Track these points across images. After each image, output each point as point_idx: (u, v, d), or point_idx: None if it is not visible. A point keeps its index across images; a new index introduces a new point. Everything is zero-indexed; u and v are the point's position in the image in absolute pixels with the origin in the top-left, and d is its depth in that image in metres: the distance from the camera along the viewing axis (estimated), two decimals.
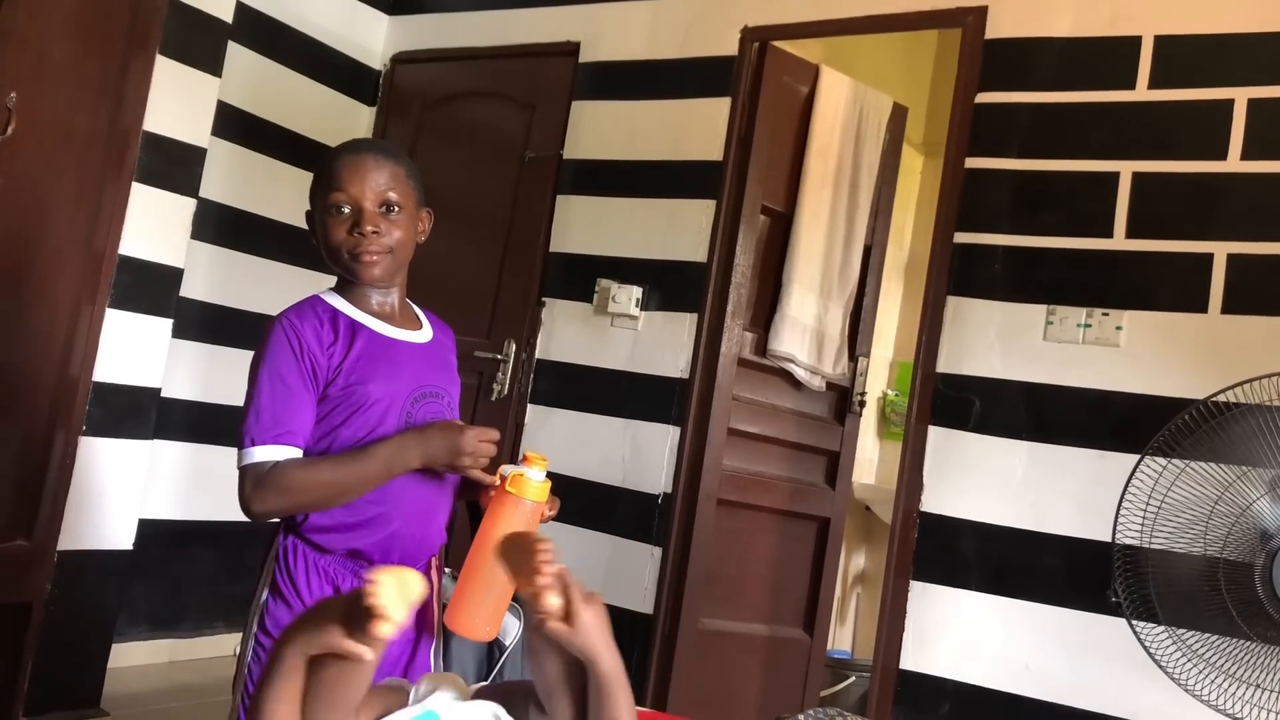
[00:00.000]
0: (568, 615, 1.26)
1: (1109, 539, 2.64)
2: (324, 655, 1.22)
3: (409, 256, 1.80)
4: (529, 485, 1.61)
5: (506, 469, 1.63)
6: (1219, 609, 2.14)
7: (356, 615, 1.15)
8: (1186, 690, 2.22)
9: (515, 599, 1.79)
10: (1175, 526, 2.22)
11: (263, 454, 1.62)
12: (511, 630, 1.81)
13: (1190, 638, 2.22)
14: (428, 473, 1.71)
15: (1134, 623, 2.28)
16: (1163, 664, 2.23)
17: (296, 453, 1.65)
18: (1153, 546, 2.26)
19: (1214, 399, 2.23)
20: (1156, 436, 2.28)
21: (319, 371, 1.67)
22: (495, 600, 1.62)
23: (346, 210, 1.71)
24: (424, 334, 1.84)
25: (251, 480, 1.63)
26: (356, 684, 1.28)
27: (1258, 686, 2.13)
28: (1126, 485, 2.30)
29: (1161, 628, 2.26)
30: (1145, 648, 2.26)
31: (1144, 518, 2.26)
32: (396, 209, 1.73)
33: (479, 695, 1.45)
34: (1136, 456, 2.53)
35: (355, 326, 1.73)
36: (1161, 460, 2.28)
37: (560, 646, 1.27)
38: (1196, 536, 2.20)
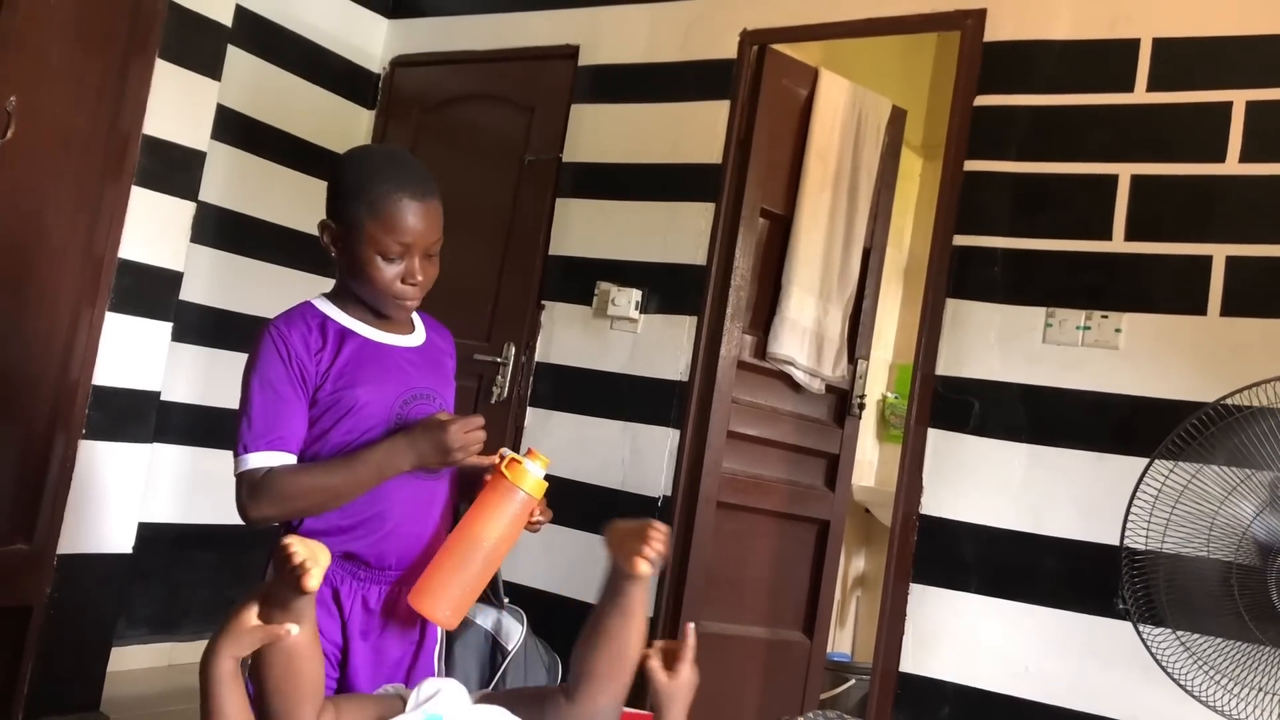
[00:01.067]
0: (671, 665, 1.39)
1: (1109, 541, 2.65)
2: (261, 655, 1.28)
3: None
4: (526, 476, 1.62)
5: (507, 451, 1.64)
6: (1231, 614, 2.13)
7: (279, 588, 1.28)
8: (1192, 695, 2.21)
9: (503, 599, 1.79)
10: (1187, 531, 2.21)
11: (256, 460, 1.64)
12: (514, 635, 1.81)
13: (1197, 642, 2.21)
14: (422, 472, 1.72)
15: (1140, 627, 2.27)
16: (1170, 669, 2.22)
17: (290, 458, 1.66)
18: (1164, 550, 2.24)
19: (1223, 402, 2.21)
20: (1167, 439, 2.25)
21: (308, 377, 1.68)
22: (465, 585, 1.60)
23: (398, 256, 1.70)
24: (415, 338, 1.84)
25: (247, 487, 1.65)
26: (307, 671, 1.33)
27: (1261, 690, 2.13)
28: (1136, 489, 2.27)
29: (1166, 631, 2.24)
30: (1152, 653, 2.24)
31: (1152, 522, 2.25)
32: (435, 253, 1.75)
33: (484, 701, 1.47)
34: (1135, 459, 2.53)
35: (344, 333, 1.74)
36: (1170, 464, 2.26)
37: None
38: (1204, 542, 2.19)
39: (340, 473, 1.66)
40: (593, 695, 1.46)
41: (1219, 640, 2.18)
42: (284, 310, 1.76)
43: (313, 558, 1.27)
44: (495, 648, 1.78)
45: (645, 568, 1.45)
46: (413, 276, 1.70)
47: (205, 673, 1.29)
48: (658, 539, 1.46)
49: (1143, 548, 2.27)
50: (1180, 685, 2.22)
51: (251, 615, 1.30)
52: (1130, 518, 2.28)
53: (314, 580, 1.25)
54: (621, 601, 1.49)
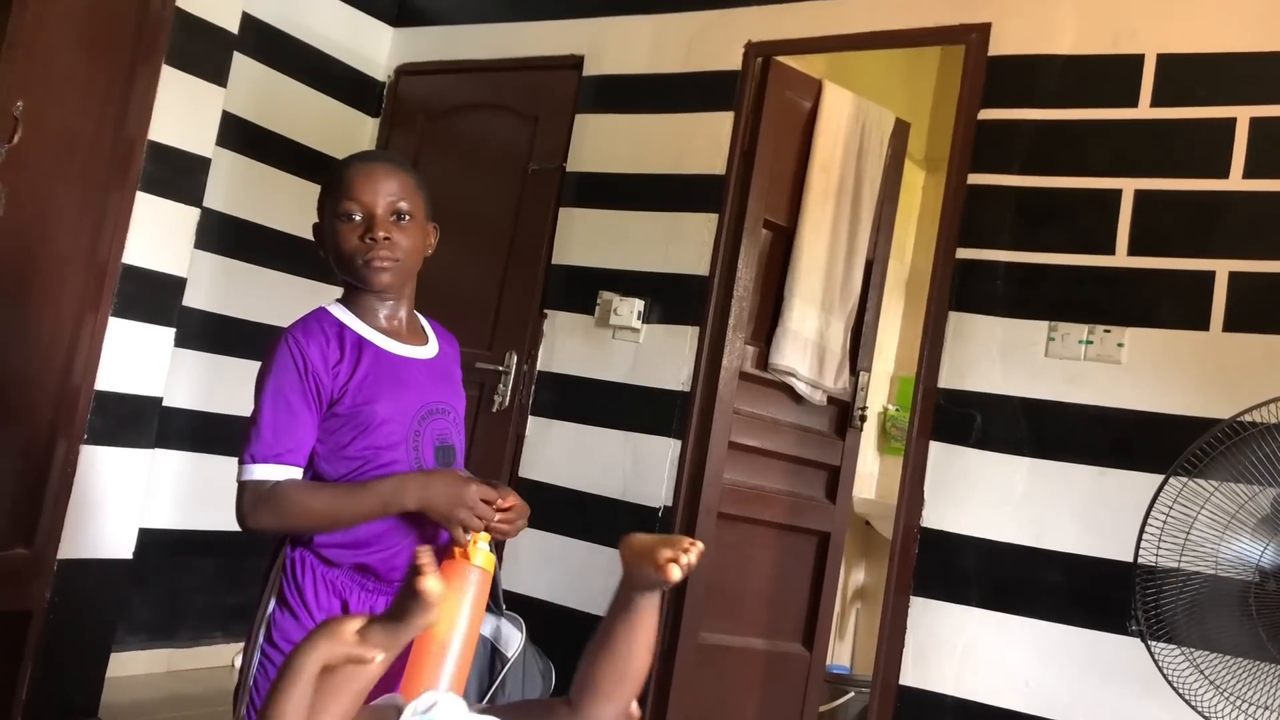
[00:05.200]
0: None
1: (1110, 556, 2.65)
2: (332, 665, 1.27)
3: (417, 267, 1.80)
4: (476, 553, 1.62)
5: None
6: (1248, 632, 2.11)
7: (399, 605, 1.28)
8: (1200, 713, 2.19)
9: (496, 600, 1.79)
10: (1204, 550, 2.19)
11: (262, 472, 1.64)
12: (513, 642, 1.80)
13: (1206, 660, 2.19)
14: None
15: (1152, 645, 2.24)
16: (1179, 687, 2.20)
17: (296, 472, 1.67)
18: (1180, 567, 2.21)
19: (1240, 418, 2.19)
20: (1183, 456, 2.23)
21: (323, 391, 1.68)
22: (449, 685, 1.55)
23: (358, 217, 1.72)
24: (430, 349, 1.84)
25: (251, 496, 1.65)
26: (346, 704, 1.32)
27: (1266, 708, 2.11)
28: (1151, 506, 2.25)
29: (1173, 648, 2.22)
30: (1163, 671, 2.22)
31: (1168, 540, 2.22)
32: (407, 218, 1.75)
33: (484, 713, 1.47)
34: (1137, 474, 2.52)
35: (362, 343, 1.73)
36: (1183, 480, 2.23)
37: None
38: (1213, 561, 2.17)
39: (345, 501, 1.66)
40: (596, 708, 1.45)
41: (1227, 658, 2.16)
42: (299, 318, 1.75)
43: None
44: (494, 655, 1.77)
45: (677, 573, 1.44)
46: (372, 233, 1.70)
47: (293, 661, 1.28)
48: (694, 551, 1.45)
49: (1155, 564, 2.25)
50: (1191, 705, 2.19)
51: (352, 627, 1.29)
52: (1145, 535, 2.25)
53: (430, 584, 1.26)
54: (631, 614, 1.47)
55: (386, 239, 1.71)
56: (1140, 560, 2.25)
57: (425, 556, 1.28)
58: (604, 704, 1.45)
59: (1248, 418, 2.17)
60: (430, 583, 1.26)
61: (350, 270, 1.74)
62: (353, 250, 1.72)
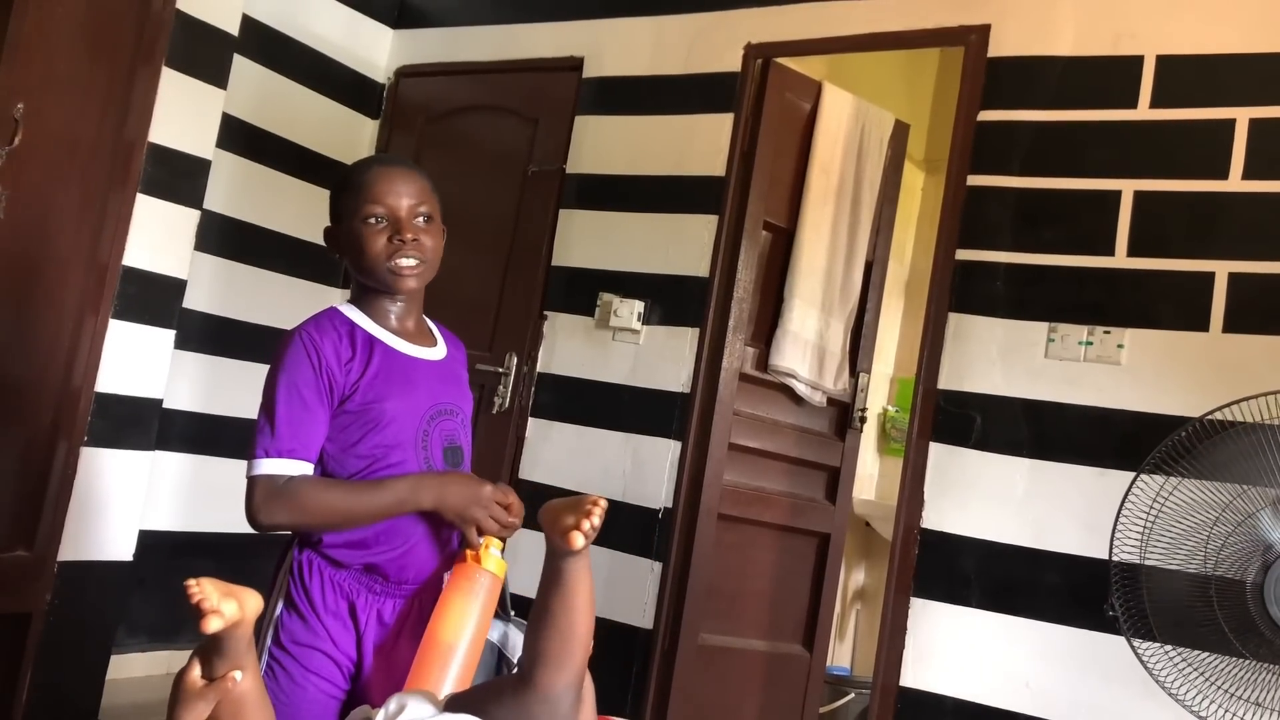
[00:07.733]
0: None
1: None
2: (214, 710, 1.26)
3: (437, 269, 1.81)
4: (488, 558, 1.64)
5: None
6: (1212, 627, 2.14)
7: (205, 649, 1.25)
8: (1187, 709, 2.21)
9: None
10: (1169, 543, 2.22)
11: (275, 467, 1.64)
12: (520, 648, 1.81)
13: (1188, 656, 2.22)
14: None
15: (1132, 640, 2.28)
16: (1162, 682, 2.23)
17: (308, 468, 1.67)
18: (1148, 563, 2.26)
19: (1209, 416, 2.24)
20: (1153, 453, 2.28)
21: (335, 387, 1.68)
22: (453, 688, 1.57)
23: (384, 221, 1.72)
24: (438, 350, 1.85)
25: (263, 491, 1.64)
26: (257, 704, 1.32)
27: (1258, 705, 2.13)
28: (1123, 502, 2.30)
29: (1160, 645, 2.25)
30: (1145, 665, 2.25)
31: (1140, 534, 2.26)
32: (429, 219, 1.76)
33: (451, 705, 1.46)
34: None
35: (373, 343, 1.74)
36: (1159, 477, 2.28)
37: None
38: (1191, 553, 2.20)
39: (360, 498, 1.66)
40: (548, 676, 1.46)
41: (1211, 655, 2.19)
42: (311, 316, 1.76)
43: (221, 597, 1.23)
44: (501, 660, 1.77)
45: (580, 540, 1.43)
46: (400, 235, 1.71)
47: None
48: (596, 512, 1.46)
49: (1132, 559, 2.28)
50: (1176, 699, 2.22)
51: (195, 675, 1.27)
52: (1118, 529, 2.29)
53: (211, 625, 1.22)
54: (562, 580, 1.48)
55: (415, 240, 1.72)
56: (1115, 557, 2.29)
57: (195, 587, 1.23)
58: (555, 672, 1.46)
59: (1219, 416, 2.21)
60: (212, 623, 1.22)
61: (374, 274, 1.74)
62: (379, 253, 1.72)
